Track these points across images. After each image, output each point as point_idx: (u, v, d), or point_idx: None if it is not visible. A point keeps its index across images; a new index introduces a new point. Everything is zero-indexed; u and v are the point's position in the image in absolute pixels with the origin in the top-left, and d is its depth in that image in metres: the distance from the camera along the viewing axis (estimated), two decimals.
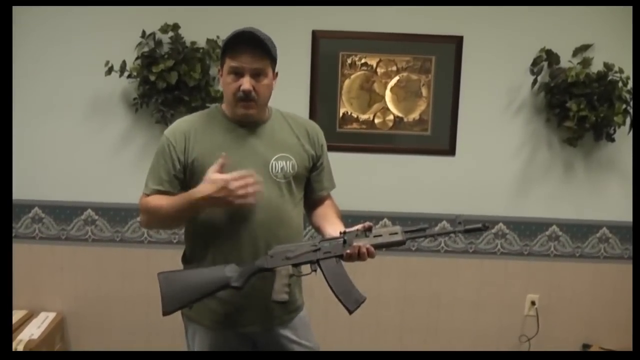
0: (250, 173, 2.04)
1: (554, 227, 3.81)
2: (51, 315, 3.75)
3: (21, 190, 3.68)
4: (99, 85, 3.58)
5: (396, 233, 2.09)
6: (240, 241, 2.17)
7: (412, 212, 3.73)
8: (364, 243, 2.07)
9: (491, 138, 3.72)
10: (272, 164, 2.21)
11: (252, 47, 2.12)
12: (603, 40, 3.60)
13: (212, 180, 2.02)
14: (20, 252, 3.73)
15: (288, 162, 2.23)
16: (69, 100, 3.64)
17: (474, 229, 2.12)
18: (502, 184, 3.76)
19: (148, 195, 2.25)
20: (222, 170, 2.04)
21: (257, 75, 2.14)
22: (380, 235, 2.09)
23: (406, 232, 2.09)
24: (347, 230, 2.10)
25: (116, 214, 3.75)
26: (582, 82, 3.47)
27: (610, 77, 3.52)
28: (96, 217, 3.75)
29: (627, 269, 3.77)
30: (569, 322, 3.88)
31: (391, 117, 3.68)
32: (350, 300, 2.09)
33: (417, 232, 2.10)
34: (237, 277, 2.07)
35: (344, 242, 2.09)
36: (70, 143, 3.68)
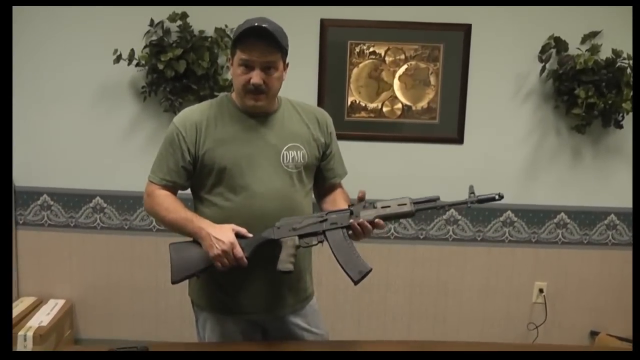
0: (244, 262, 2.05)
1: (562, 214, 3.81)
2: (60, 303, 3.77)
3: (30, 177, 3.71)
4: (107, 74, 3.59)
5: (405, 204, 2.07)
6: (251, 231, 2.14)
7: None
8: (369, 213, 2.06)
9: (499, 126, 3.73)
10: (283, 154, 2.20)
11: (263, 40, 2.09)
12: (611, 27, 3.60)
13: (226, 234, 2.05)
14: (29, 240, 3.77)
15: (299, 152, 2.23)
16: (78, 88, 3.65)
17: (487, 198, 2.10)
18: (510, 172, 3.77)
19: (155, 183, 2.25)
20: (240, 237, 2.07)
21: (267, 68, 2.12)
22: (389, 207, 2.08)
23: (415, 203, 2.07)
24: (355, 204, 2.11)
25: (124, 202, 3.76)
26: (591, 69, 3.47)
27: (618, 64, 3.52)
28: (105, 205, 3.77)
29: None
30: (576, 310, 3.89)
31: (399, 105, 3.68)
32: (355, 271, 2.05)
33: (427, 202, 2.08)
34: (243, 247, 2.06)
35: (351, 213, 2.08)
36: (79, 131, 3.69)
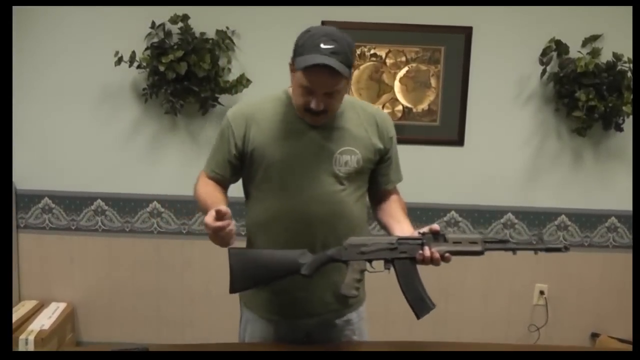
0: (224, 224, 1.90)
1: (563, 216, 3.82)
2: (61, 306, 3.76)
3: (31, 180, 3.71)
4: (108, 76, 3.59)
5: (476, 243, 2.00)
6: (298, 234, 2.12)
7: (421, 202, 3.74)
8: (441, 249, 1.99)
9: (500, 128, 3.74)
10: (337, 157, 2.13)
11: (329, 72, 1.95)
12: (612, 30, 3.61)
13: (205, 223, 1.93)
14: (30, 243, 3.77)
15: (353, 157, 2.15)
16: (79, 90, 3.65)
17: (555, 248, 2.03)
18: (511, 174, 3.78)
19: (205, 172, 2.24)
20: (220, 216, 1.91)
21: (329, 93, 2.02)
22: (460, 243, 2.01)
23: (486, 242, 2.01)
24: (423, 231, 2.02)
25: (126, 205, 3.76)
26: (591, 72, 3.48)
27: (619, 67, 3.53)
28: (106, 208, 3.77)
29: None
30: (577, 312, 3.90)
31: (400, 107, 3.68)
32: (421, 307, 2.04)
33: (498, 243, 2.02)
34: (307, 265, 2.01)
35: (422, 244, 2.00)
36: (80, 133, 3.69)
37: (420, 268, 2.02)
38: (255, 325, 2.28)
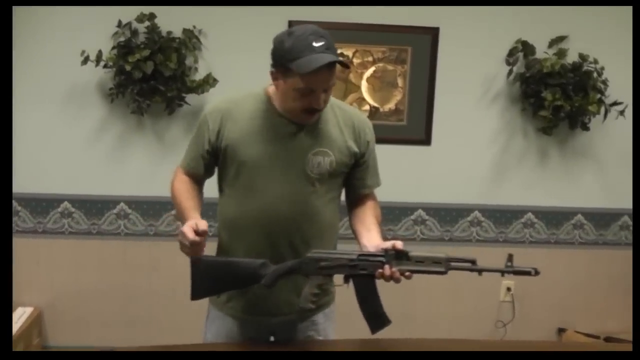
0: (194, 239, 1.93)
1: (529, 214, 3.87)
2: (28, 310, 3.71)
3: None
4: (74, 75, 3.54)
5: (440, 263, 1.94)
6: (265, 233, 2.11)
7: (388, 201, 3.71)
8: (402, 268, 1.94)
9: (467, 127, 3.77)
10: (309, 158, 2.10)
11: (330, 68, 1.94)
12: (578, 31, 3.66)
13: (183, 232, 1.95)
14: None
15: (326, 159, 2.11)
16: (45, 90, 3.60)
17: (523, 272, 2.01)
18: (478, 173, 3.82)
19: (181, 167, 2.24)
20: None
21: (326, 89, 2.00)
22: (422, 262, 1.95)
23: (450, 261, 1.96)
24: (385, 247, 1.97)
25: (92, 206, 3.72)
26: (557, 72, 3.53)
27: (585, 68, 3.59)
28: (73, 210, 3.72)
29: (601, 254, 3.90)
30: (544, 307, 3.96)
31: (367, 107, 3.70)
32: (376, 324, 2.01)
33: (463, 262, 1.98)
34: (267, 277, 2.01)
35: (383, 263, 1.96)
36: (46, 134, 3.64)
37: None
38: (221, 323, 2.27)
